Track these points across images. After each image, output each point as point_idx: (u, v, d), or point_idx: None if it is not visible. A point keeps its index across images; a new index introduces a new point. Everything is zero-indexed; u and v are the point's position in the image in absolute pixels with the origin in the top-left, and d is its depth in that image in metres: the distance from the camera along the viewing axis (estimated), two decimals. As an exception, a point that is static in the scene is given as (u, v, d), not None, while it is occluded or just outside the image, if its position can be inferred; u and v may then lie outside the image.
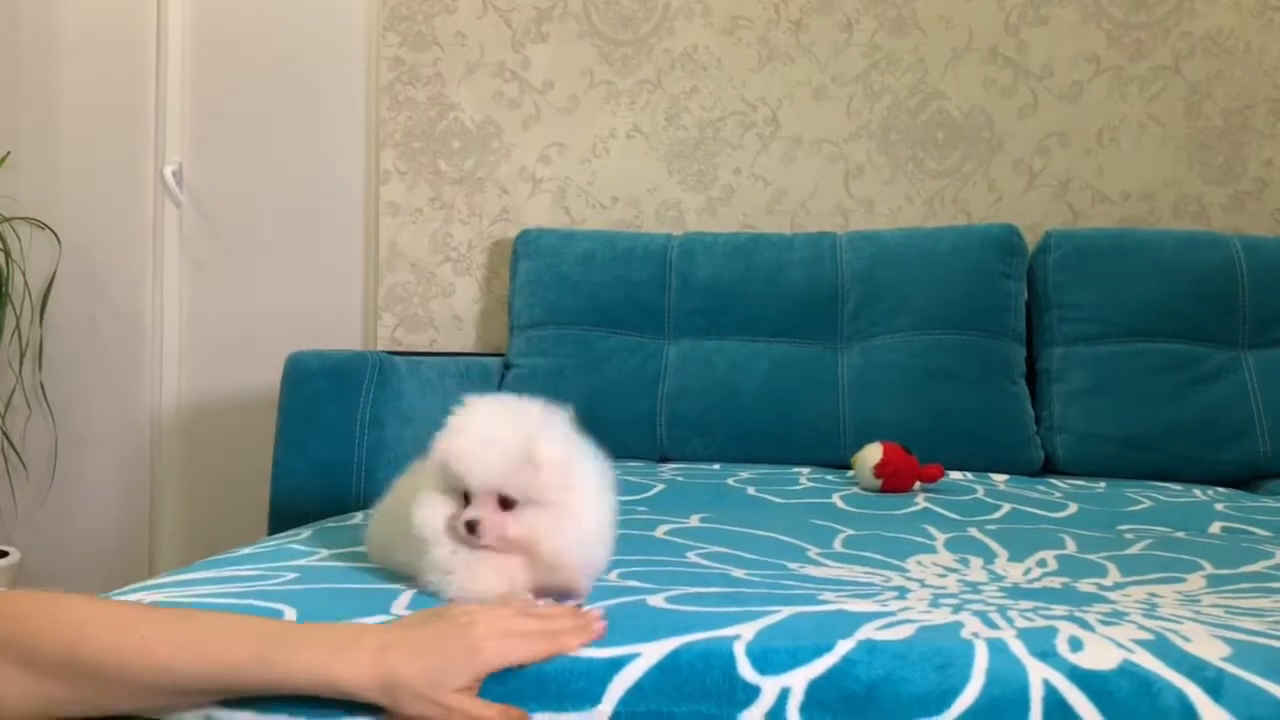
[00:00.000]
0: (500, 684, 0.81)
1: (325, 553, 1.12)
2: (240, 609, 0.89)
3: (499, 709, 0.79)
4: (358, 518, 1.35)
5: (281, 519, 1.74)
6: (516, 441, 0.91)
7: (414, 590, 0.95)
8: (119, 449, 2.62)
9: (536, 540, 0.91)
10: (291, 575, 1.01)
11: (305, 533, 1.25)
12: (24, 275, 2.56)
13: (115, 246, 2.60)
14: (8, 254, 2.50)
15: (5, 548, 2.52)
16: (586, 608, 0.89)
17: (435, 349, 2.44)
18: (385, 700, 0.78)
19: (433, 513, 0.93)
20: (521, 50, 2.44)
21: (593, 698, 0.79)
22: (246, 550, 1.14)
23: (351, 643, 0.79)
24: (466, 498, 0.92)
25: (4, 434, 2.56)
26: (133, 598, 0.92)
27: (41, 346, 2.59)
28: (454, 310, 2.46)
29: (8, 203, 2.54)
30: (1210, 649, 0.78)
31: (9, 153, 2.56)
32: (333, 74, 2.54)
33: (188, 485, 2.61)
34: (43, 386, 2.59)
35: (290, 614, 0.88)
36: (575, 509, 0.93)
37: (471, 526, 0.90)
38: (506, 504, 0.91)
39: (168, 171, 2.56)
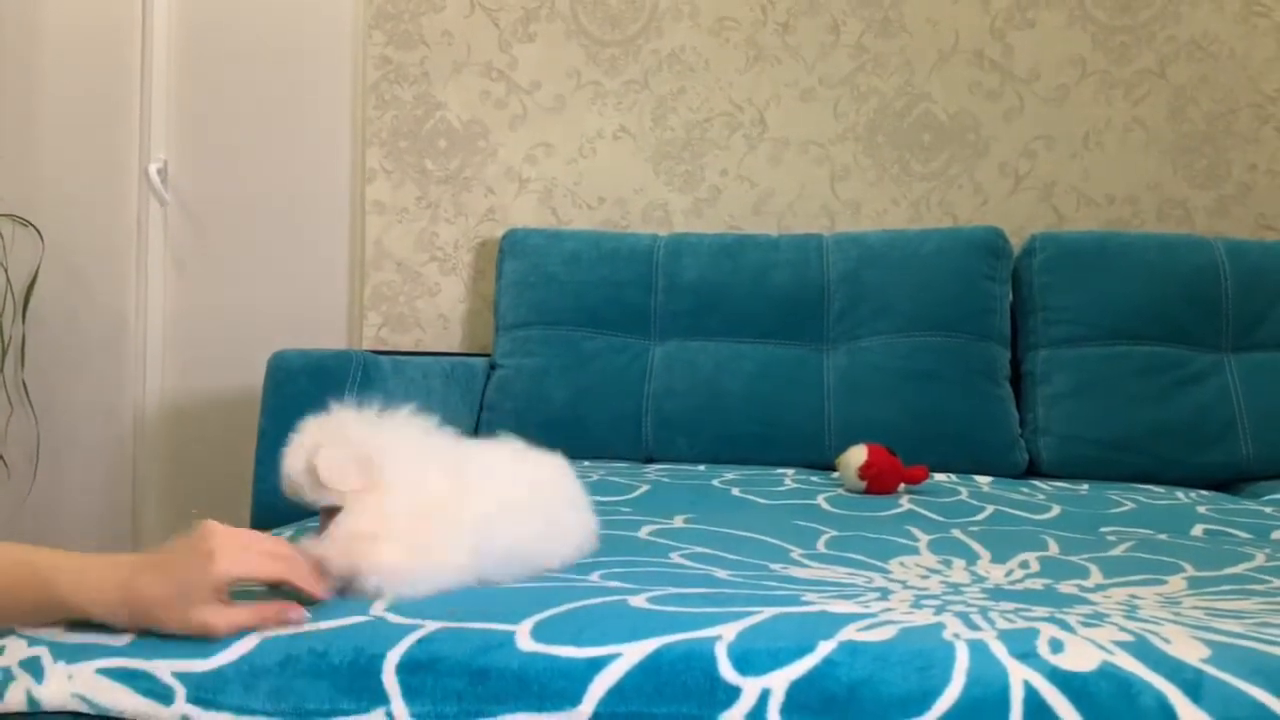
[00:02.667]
0: (479, 683, 0.80)
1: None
2: (219, 609, 0.89)
3: (248, 611, 0.84)
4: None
5: (264, 518, 1.74)
6: (298, 459, 0.97)
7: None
8: (102, 447, 2.61)
9: (332, 539, 0.94)
10: (271, 575, 1.00)
11: (288, 532, 1.24)
12: (6, 272, 2.55)
13: (99, 244, 2.59)
14: (-10, 251, 2.48)
15: (-14, 547, 2.50)
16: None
17: (421, 349, 2.43)
18: (136, 623, 0.83)
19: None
20: (509, 50, 2.44)
21: (573, 698, 0.79)
22: (227, 550, 1.13)
23: (101, 571, 0.85)
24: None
25: (-15, 432, 2.55)
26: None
27: (24, 344, 2.57)
28: (440, 310, 2.46)
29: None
30: (1190, 650, 0.79)
31: (-9, 149, 2.54)
32: (319, 72, 2.53)
33: (171, 484, 2.59)
34: (25, 385, 2.58)
35: (269, 614, 0.88)
36: (346, 515, 0.95)
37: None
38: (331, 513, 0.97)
39: (152, 169, 2.55)
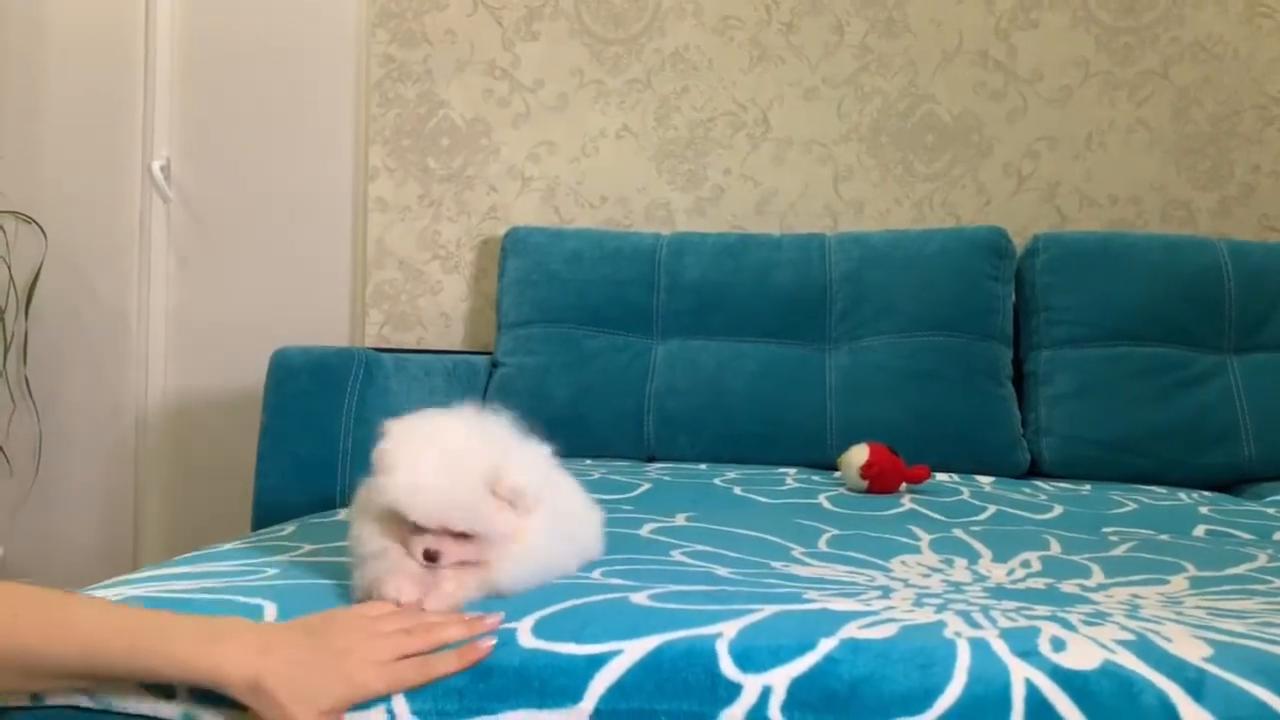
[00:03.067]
0: (481, 681, 0.80)
1: (307, 548, 1.11)
2: (219, 604, 0.89)
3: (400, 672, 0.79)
4: (341, 514, 1.35)
5: (265, 515, 1.74)
6: (472, 479, 0.87)
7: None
8: (103, 444, 2.61)
9: (491, 567, 0.89)
10: (272, 571, 1.00)
11: (288, 529, 1.24)
12: (9, 269, 2.55)
13: (101, 241, 2.59)
14: (-7, 248, 2.48)
15: (-13, 543, 2.51)
16: (488, 615, 0.86)
17: (423, 347, 2.44)
18: (250, 701, 0.77)
19: (378, 543, 0.89)
20: (512, 48, 2.44)
21: (574, 695, 0.79)
22: (228, 546, 1.13)
23: (228, 637, 0.79)
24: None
25: (-13, 429, 2.55)
26: (111, 593, 0.91)
27: (26, 341, 2.57)
28: (442, 308, 2.46)
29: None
30: (1192, 649, 0.78)
31: (-5, 146, 2.55)
32: (322, 70, 2.53)
33: (172, 481, 2.59)
34: (27, 381, 2.58)
35: (270, 609, 0.87)
36: (529, 536, 0.90)
37: (431, 556, 0.87)
38: (465, 539, 0.88)
39: (155, 166, 2.55)
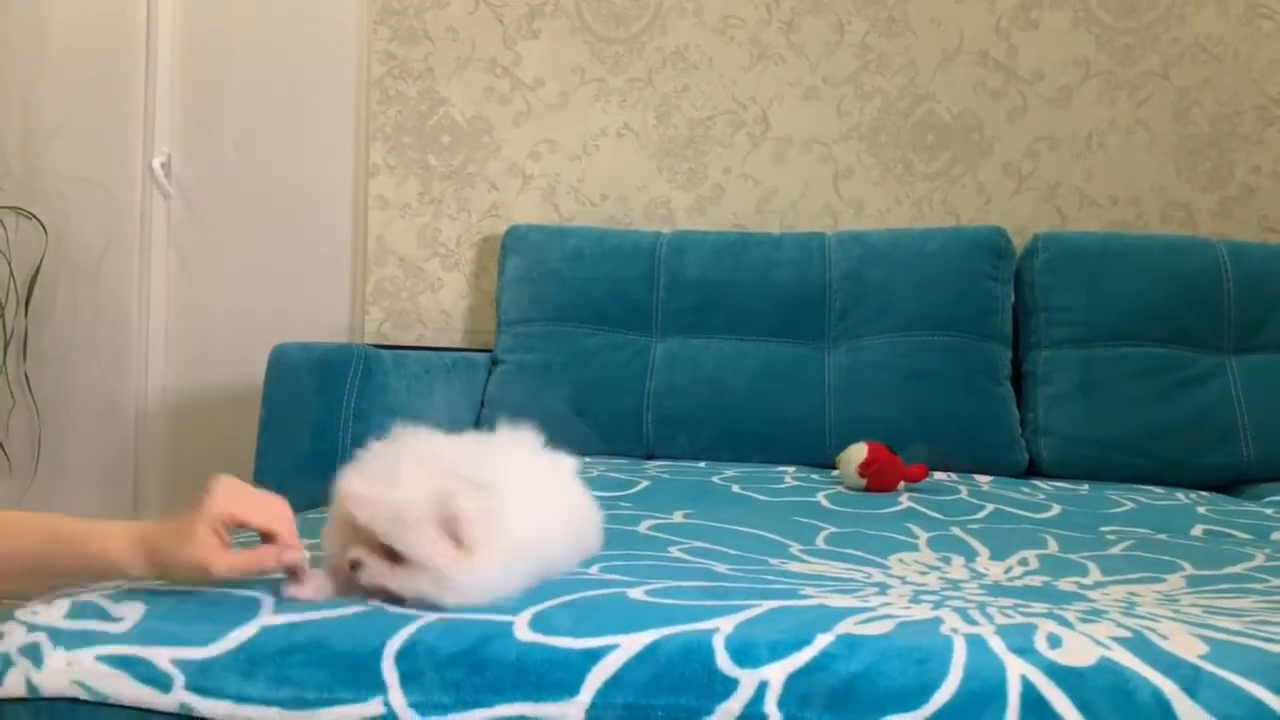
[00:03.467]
0: (477, 673, 0.81)
1: (305, 543, 1.11)
2: (218, 596, 0.89)
3: (247, 556, 0.87)
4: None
5: (264, 511, 1.73)
6: (419, 497, 0.85)
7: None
8: (103, 441, 2.61)
9: (419, 600, 0.87)
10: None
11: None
12: (9, 265, 2.55)
13: (102, 237, 2.59)
14: (-7, 243, 2.48)
15: (-13, 539, 2.50)
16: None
17: (423, 344, 2.44)
18: (150, 568, 0.88)
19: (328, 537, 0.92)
20: (513, 46, 2.44)
21: (570, 688, 0.79)
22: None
23: (110, 528, 0.89)
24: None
25: (-13, 424, 2.55)
26: (109, 584, 0.91)
27: (26, 337, 2.57)
28: (442, 305, 2.46)
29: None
30: (1188, 647, 0.79)
31: (-5, 140, 2.55)
32: (323, 67, 2.53)
33: (172, 477, 2.59)
34: (27, 378, 2.58)
35: (268, 603, 0.88)
36: (474, 571, 0.86)
37: (353, 564, 0.87)
38: (395, 555, 0.86)
39: (156, 163, 2.55)
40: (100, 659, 0.83)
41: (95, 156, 2.58)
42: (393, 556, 0.86)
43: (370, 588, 0.88)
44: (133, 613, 0.86)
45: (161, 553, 0.87)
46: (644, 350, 2.13)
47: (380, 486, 0.87)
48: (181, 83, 2.57)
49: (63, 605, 0.87)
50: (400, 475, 0.87)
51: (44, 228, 2.56)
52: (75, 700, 0.84)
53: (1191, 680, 0.74)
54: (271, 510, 0.91)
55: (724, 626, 0.82)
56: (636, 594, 0.92)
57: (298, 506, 1.58)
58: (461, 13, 2.44)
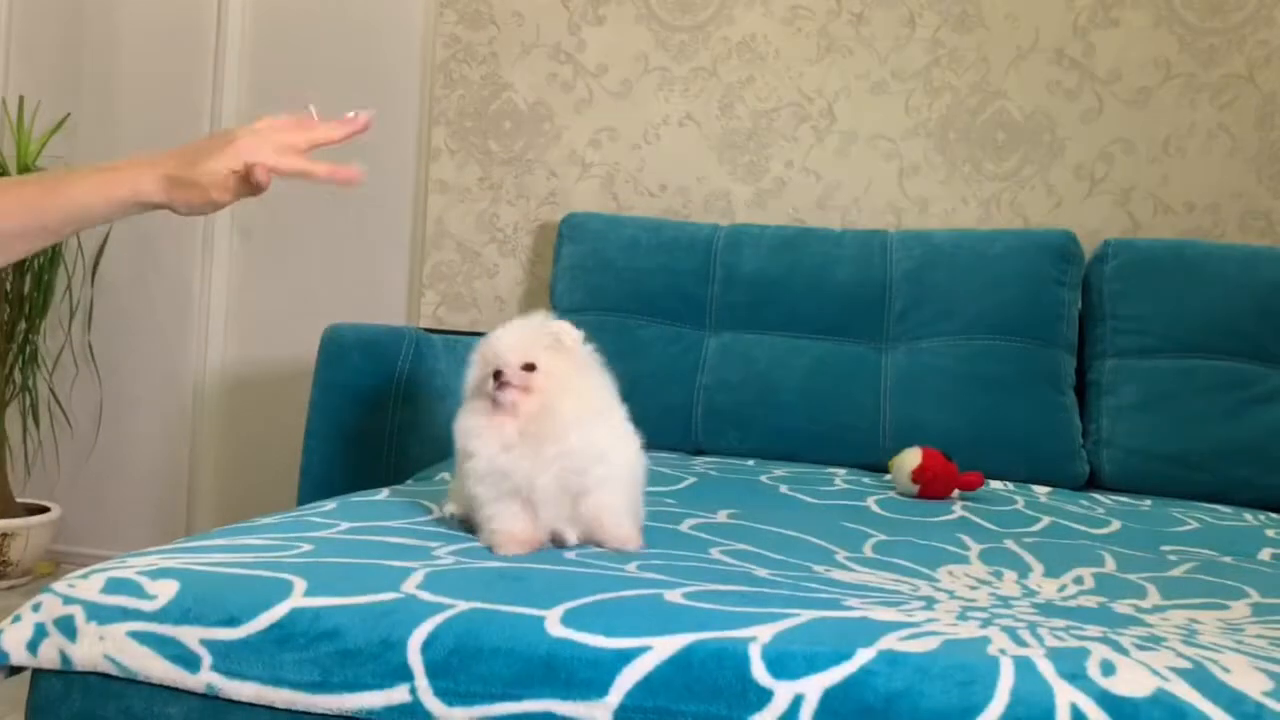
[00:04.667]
0: (506, 666, 0.79)
1: (345, 526, 1.11)
2: (251, 579, 0.88)
3: (236, 180, 0.96)
4: (383, 493, 1.35)
5: (310, 490, 1.75)
6: (536, 324, 1.12)
7: (428, 569, 0.93)
8: (162, 411, 2.65)
9: (551, 394, 1.06)
10: (307, 547, 1.00)
11: (329, 505, 1.24)
12: (78, 237, 2.60)
13: (168, 211, 2.62)
14: (62, 214, 2.53)
15: (46, 504, 2.56)
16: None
17: (476, 328, 2.43)
18: (160, 193, 0.95)
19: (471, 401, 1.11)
20: (577, 32, 2.42)
21: (600, 688, 0.78)
22: (267, 520, 1.13)
23: (123, 164, 0.97)
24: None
25: (51, 391, 2.60)
26: (145, 561, 0.91)
27: (92, 307, 2.62)
28: (497, 291, 2.45)
29: (65, 164, 2.57)
30: (1251, 682, 0.74)
31: (68, 115, 2.59)
32: (389, 49, 2.54)
33: (226, 449, 2.63)
34: (91, 346, 2.63)
35: (299, 585, 0.87)
36: (585, 380, 1.11)
37: (498, 375, 1.06)
38: (529, 368, 1.07)
39: (222, 139, 2.57)
40: (131, 635, 0.83)
41: (164, 131, 2.61)
42: (528, 368, 1.08)
43: (515, 392, 1.06)
44: (166, 591, 0.86)
45: (178, 182, 0.95)
46: (696, 344, 2.10)
47: (507, 327, 1.13)
48: (250, 60, 2.60)
49: (98, 580, 0.88)
50: (517, 320, 1.14)
51: (111, 200, 2.60)
52: (106, 675, 0.84)
53: (1254, 718, 0.70)
54: (287, 157, 0.99)
55: (762, 635, 0.79)
56: (673, 596, 0.89)
57: (344, 486, 1.59)
58: (527, -3, 2.43)
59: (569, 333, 1.11)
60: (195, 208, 0.95)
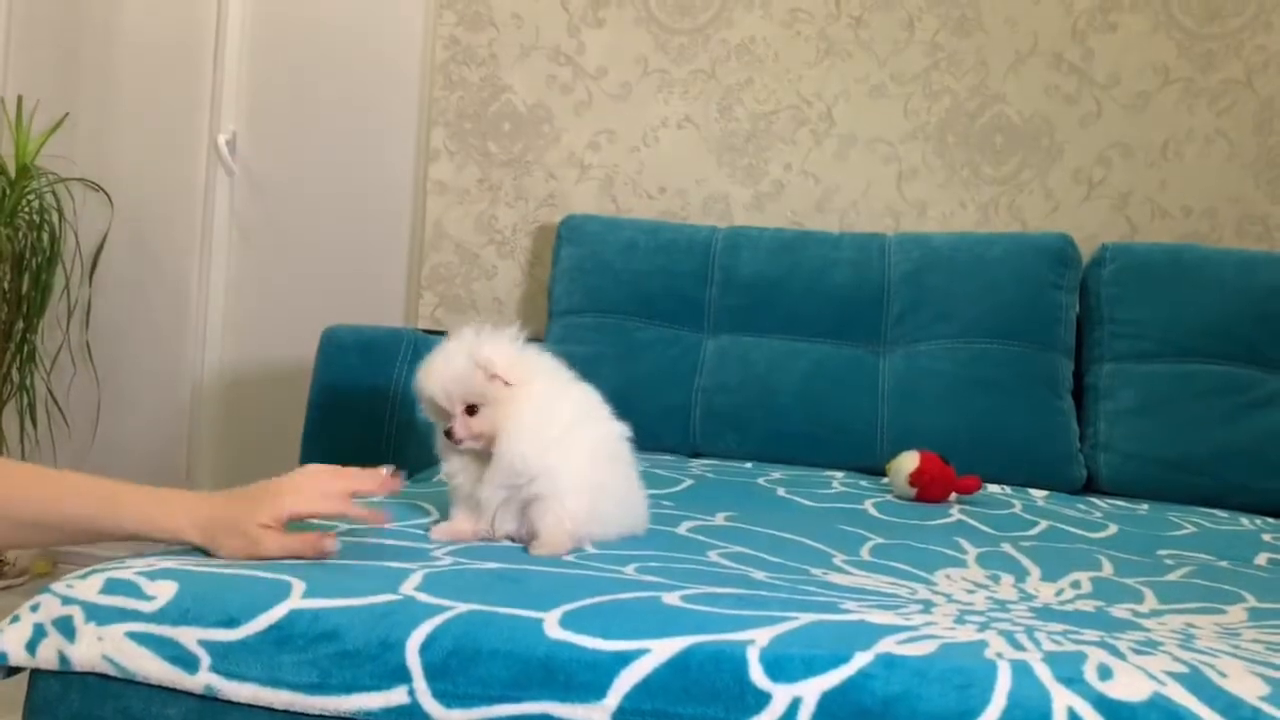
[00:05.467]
0: (504, 668, 0.79)
1: (343, 527, 1.11)
2: (249, 580, 0.88)
3: (303, 538, 0.97)
4: (381, 494, 1.34)
5: (309, 491, 1.74)
6: (461, 356, 1.09)
7: (426, 571, 0.93)
8: (160, 411, 2.65)
9: (496, 430, 1.08)
10: (306, 548, 1.00)
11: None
12: (76, 236, 2.59)
13: (166, 211, 2.62)
14: (61, 214, 2.53)
15: (43, 503, 2.56)
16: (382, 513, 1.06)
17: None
18: (203, 539, 0.96)
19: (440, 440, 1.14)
20: (577, 35, 2.42)
21: (598, 691, 0.78)
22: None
23: (174, 498, 0.99)
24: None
25: (49, 391, 2.60)
26: (145, 563, 0.92)
27: (89, 307, 2.62)
28: (495, 293, 2.45)
29: (63, 163, 2.57)
30: (1247, 686, 0.75)
31: (67, 114, 2.59)
32: (388, 51, 2.54)
33: (224, 449, 2.63)
34: (89, 346, 2.62)
35: (298, 587, 0.87)
36: (528, 399, 1.09)
37: (449, 434, 1.09)
38: (472, 411, 1.09)
39: (221, 140, 2.57)
40: (130, 636, 0.83)
41: (163, 132, 2.61)
42: (470, 410, 1.10)
43: (468, 440, 1.09)
44: (165, 592, 0.86)
45: (218, 525, 0.97)
46: (695, 346, 2.10)
47: (434, 366, 1.11)
48: (249, 61, 2.60)
49: (97, 581, 0.88)
50: (441, 353, 1.12)
51: (110, 200, 2.60)
52: (104, 676, 0.84)
53: (1250, 723, 0.70)
54: (329, 502, 1.00)
55: (759, 638, 0.80)
56: (671, 599, 0.89)
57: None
58: (527, -1, 2.43)
59: (497, 362, 1.09)
60: (235, 554, 0.96)
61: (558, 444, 1.10)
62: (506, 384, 1.09)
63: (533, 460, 1.08)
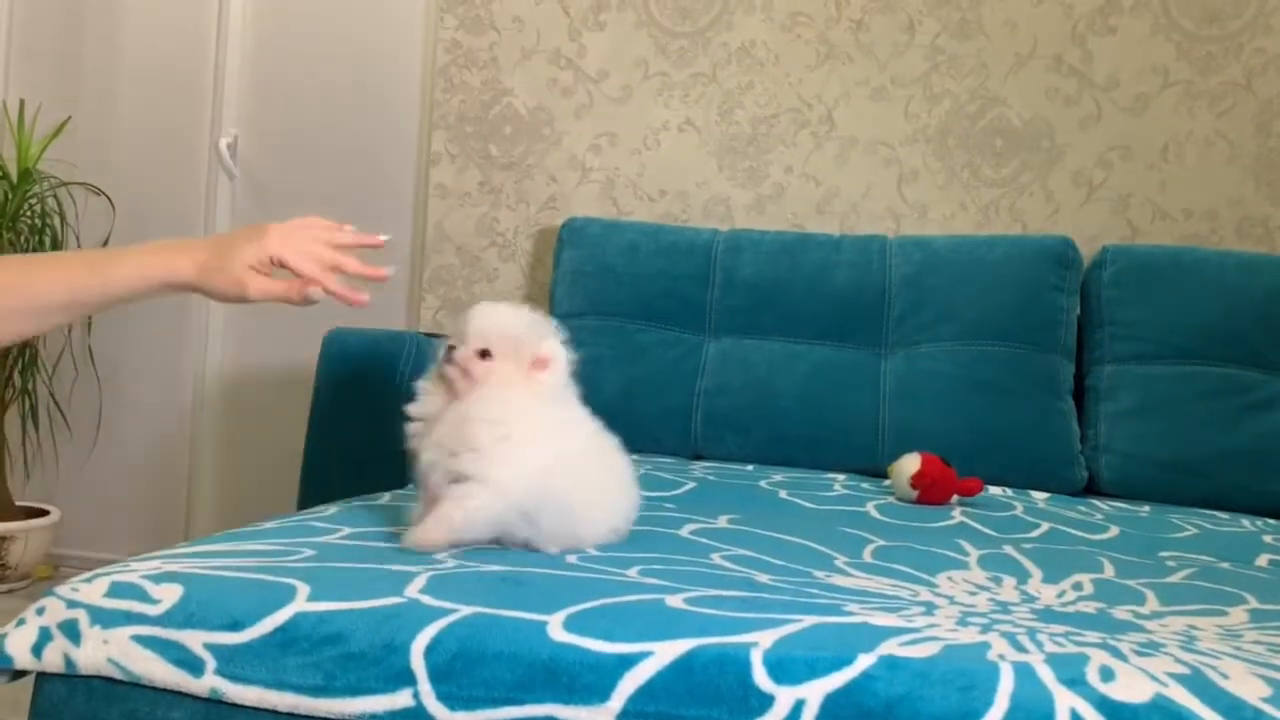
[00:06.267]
0: (509, 670, 0.80)
1: (347, 531, 1.11)
2: (254, 583, 0.89)
3: (288, 283, 1.03)
4: (385, 498, 1.35)
5: (312, 494, 1.75)
6: (525, 316, 1.11)
7: (430, 574, 0.93)
8: (162, 415, 2.65)
9: (486, 381, 1.06)
10: (309, 552, 1.00)
11: (330, 510, 1.25)
12: (78, 239, 2.60)
13: (168, 214, 2.63)
14: (63, 217, 2.53)
15: (46, 506, 2.57)
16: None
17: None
18: (198, 277, 1.01)
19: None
20: (578, 38, 2.42)
21: (602, 693, 0.78)
22: (270, 524, 1.14)
23: (171, 244, 1.04)
24: None
25: (51, 394, 2.60)
26: (149, 566, 0.92)
27: (91, 310, 2.62)
28: (497, 295, 2.46)
29: (65, 167, 2.57)
30: (1249, 688, 0.75)
31: (69, 118, 2.60)
32: (389, 54, 2.54)
33: (226, 455, 2.63)
34: (91, 350, 2.63)
35: (303, 590, 0.87)
36: (527, 390, 1.08)
37: (450, 350, 1.08)
38: (484, 356, 1.07)
39: (222, 143, 2.58)
40: (135, 639, 0.84)
41: (164, 135, 2.62)
42: (483, 355, 1.08)
43: (457, 369, 1.07)
44: (170, 595, 0.86)
45: (206, 260, 1.01)
46: (696, 349, 2.11)
47: (495, 308, 1.12)
48: (251, 65, 2.60)
49: (102, 584, 0.88)
50: (507, 307, 1.13)
51: (112, 204, 2.61)
52: (110, 679, 0.84)
53: (1252, 724, 0.70)
54: (309, 262, 1.05)
55: (763, 640, 0.80)
56: (675, 601, 0.90)
57: (344, 491, 1.59)
58: (528, 3, 2.44)
59: (527, 339, 1.09)
60: (225, 294, 1.01)
61: (513, 443, 1.03)
62: (524, 364, 1.08)
63: (481, 434, 1.02)
